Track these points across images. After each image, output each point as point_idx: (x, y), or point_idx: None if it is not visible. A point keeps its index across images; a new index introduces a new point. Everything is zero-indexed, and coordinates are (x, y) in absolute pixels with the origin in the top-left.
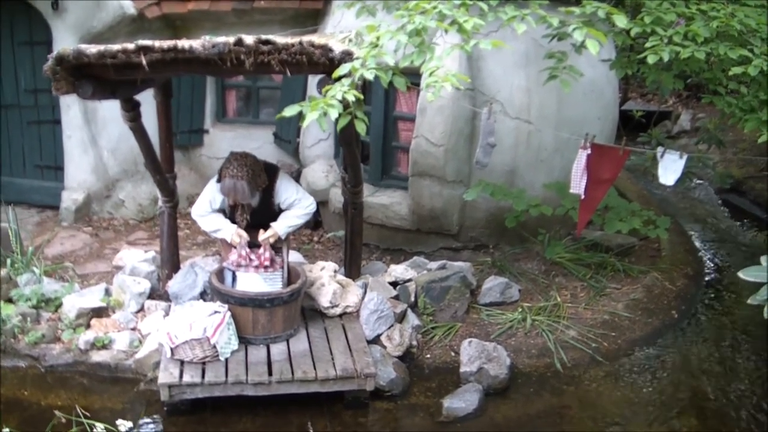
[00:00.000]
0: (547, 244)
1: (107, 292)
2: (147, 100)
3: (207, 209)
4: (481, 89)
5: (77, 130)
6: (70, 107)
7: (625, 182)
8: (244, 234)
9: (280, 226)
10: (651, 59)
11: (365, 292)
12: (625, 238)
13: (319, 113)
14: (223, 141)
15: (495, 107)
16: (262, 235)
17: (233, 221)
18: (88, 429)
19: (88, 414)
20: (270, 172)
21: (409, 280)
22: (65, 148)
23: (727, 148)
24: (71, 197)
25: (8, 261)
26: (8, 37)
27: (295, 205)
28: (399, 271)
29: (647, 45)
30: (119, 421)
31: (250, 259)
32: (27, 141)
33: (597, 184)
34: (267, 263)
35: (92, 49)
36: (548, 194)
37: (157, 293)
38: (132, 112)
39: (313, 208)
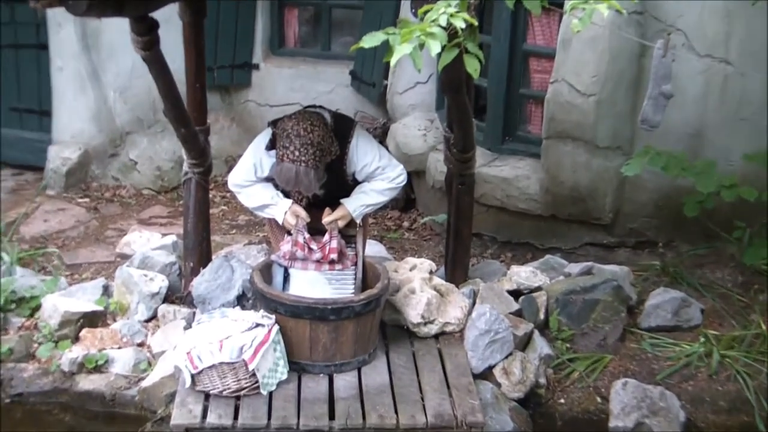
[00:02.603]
0: (747, 244)
1: (106, 291)
2: (171, 20)
3: (251, 177)
4: (653, 13)
5: (72, 59)
6: (62, 26)
7: None
8: (303, 214)
9: (354, 205)
10: None
11: (473, 304)
12: None
13: (414, 45)
14: (279, 81)
15: (674, 40)
16: (328, 217)
17: (288, 195)
18: None
19: None
20: (342, 129)
21: (538, 289)
22: (54, 85)
23: None
24: (61, 155)
25: None
26: None
27: (377, 176)
28: (524, 275)
29: None
30: None
31: (310, 251)
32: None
33: None
34: (333, 257)
35: None
36: (751, 170)
37: (177, 295)
38: (146, 36)
39: (402, 180)
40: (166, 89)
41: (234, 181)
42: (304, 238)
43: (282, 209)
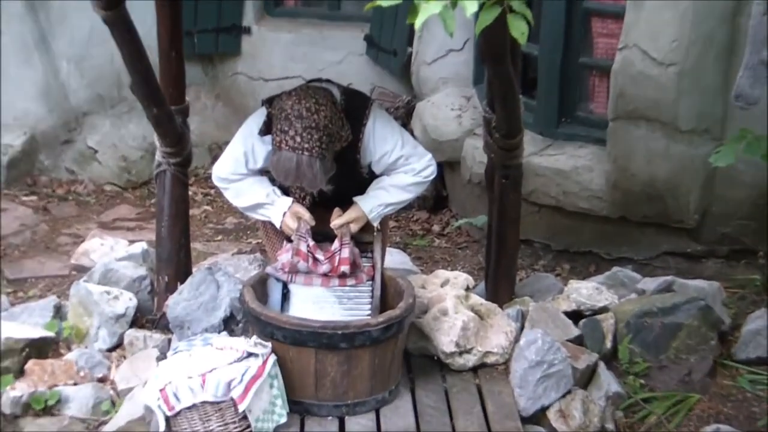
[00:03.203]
0: None
1: (58, 313)
2: None
3: (240, 169)
4: None
5: (14, 22)
6: None
7: None
8: (306, 215)
9: (370, 204)
10: None
11: (521, 329)
12: None
13: (444, 3)
14: (275, 49)
15: None
16: (339, 219)
17: (287, 193)
18: None
19: None
20: (355, 109)
21: (604, 310)
22: None
23: None
24: (2, 141)
25: None
26: None
27: (400, 167)
28: (585, 292)
29: None
30: None
31: (316, 262)
32: None
33: None
34: (345, 269)
35: None
36: None
37: (149, 317)
38: None
39: (430, 173)
40: (134, 59)
41: (220, 174)
42: (308, 245)
43: (280, 210)
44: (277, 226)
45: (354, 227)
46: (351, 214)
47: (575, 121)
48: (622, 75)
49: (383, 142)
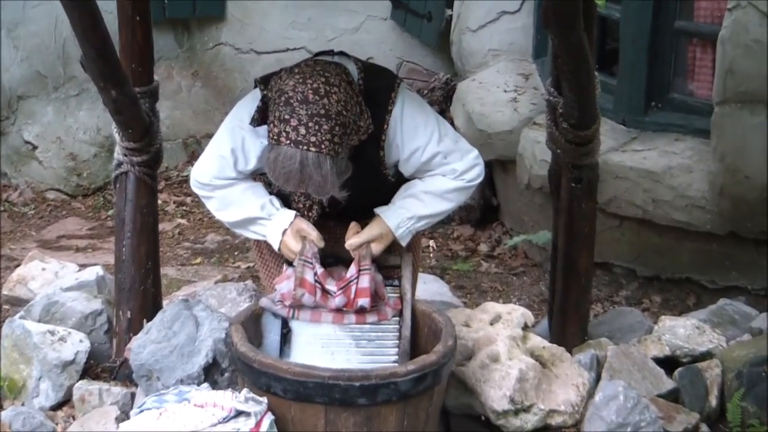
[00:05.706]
0: None
1: None
2: None
3: (227, 172)
4: None
5: None
6: None
7: None
8: (313, 234)
9: (398, 218)
10: None
11: (597, 380)
12: None
13: None
14: (270, 12)
15: None
16: (356, 237)
17: (288, 202)
18: None
19: None
20: (377, 91)
21: (707, 356)
22: None
23: None
24: None
25: None
26: None
27: (436, 168)
28: (682, 332)
29: None
30: None
31: (325, 294)
32: None
33: None
34: (364, 303)
35: None
36: None
37: (106, 365)
38: None
39: (476, 174)
40: (86, 25)
41: (200, 178)
42: (315, 274)
43: (279, 227)
44: (275, 247)
45: (376, 248)
46: (372, 230)
47: (669, 107)
48: (732, 44)
49: (414, 134)
